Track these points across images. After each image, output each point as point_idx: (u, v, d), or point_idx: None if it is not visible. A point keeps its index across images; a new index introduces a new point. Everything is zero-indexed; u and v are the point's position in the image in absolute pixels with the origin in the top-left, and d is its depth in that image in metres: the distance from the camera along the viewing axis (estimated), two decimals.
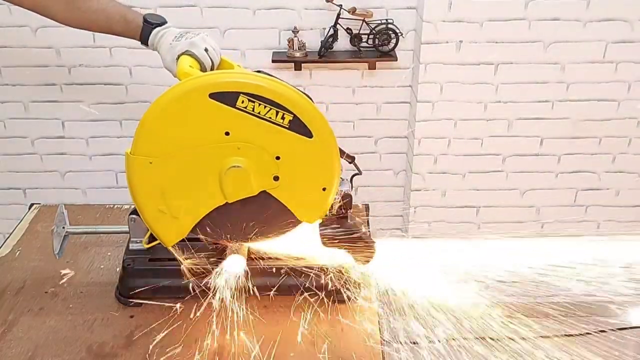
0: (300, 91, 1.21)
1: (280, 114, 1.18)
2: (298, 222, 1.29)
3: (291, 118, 1.18)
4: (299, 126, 1.19)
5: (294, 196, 1.26)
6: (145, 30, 1.34)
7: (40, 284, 1.48)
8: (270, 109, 1.17)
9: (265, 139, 1.19)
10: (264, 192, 1.25)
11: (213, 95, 1.16)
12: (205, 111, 1.17)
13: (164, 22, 1.36)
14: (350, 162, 1.35)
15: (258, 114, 1.17)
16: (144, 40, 1.36)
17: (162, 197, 1.24)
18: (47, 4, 1.37)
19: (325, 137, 1.21)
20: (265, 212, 1.27)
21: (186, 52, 1.29)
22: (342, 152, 1.28)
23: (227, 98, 1.16)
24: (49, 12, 1.38)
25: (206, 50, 1.30)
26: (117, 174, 2.63)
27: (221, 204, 1.25)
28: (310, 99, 1.22)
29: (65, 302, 1.42)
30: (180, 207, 1.25)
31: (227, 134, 1.19)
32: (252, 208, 1.26)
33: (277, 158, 1.21)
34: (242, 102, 1.17)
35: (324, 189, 1.25)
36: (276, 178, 1.23)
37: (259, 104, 1.17)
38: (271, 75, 1.21)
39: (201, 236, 1.30)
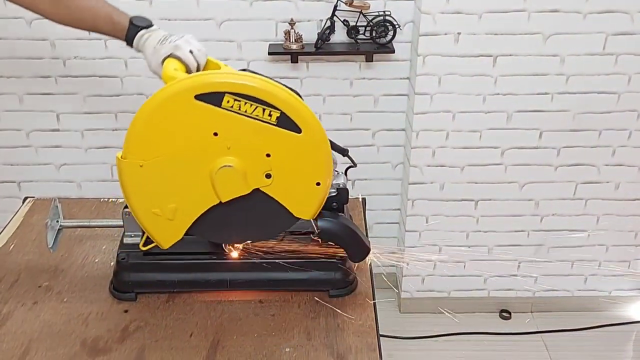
0: (287, 87, 1.20)
1: (267, 111, 1.16)
2: (294, 218, 1.28)
3: (278, 115, 1.17)
4: (287, 122, 1.17)
5: (288, 193, 1.25)
6: (130, 32, 1.34)
7: (35, 277, 1.46)
8: (257, 106, 1.16)
9: (254, 137, 1.18)
10: (258, 190, 1.24)
11: (199, 97, 1.15)
12: (192, 113, 1.16)
13: (150, 25, 1.36)
14: (344, 155, 1.34)
15: (245, 113, 1.16)
16: (129, 42, 1.36)
17: (155, 199, 1.23)
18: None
19: (315, 132, 1.20)
20: (260, 210, 1.26)
21: (171, 55, 1.28)
22: (333, 145, 1.27)
23: (213, 98, 1.15)
24: (35, 7, 1.38)
25: (191, 52, 1.30)
26: (112, 167, 2.61)
27: (215, 204, 1.24)
28: (299, 94, 1.21)
29: (60, 295, 1.41)
30: (174, 209, 1.24)
31: (215, 134, 1.18)
32: (247, 207, 1.25)
33: (268, 155, 1.20)
34: (228, 101, 1.15)
35: (317, 184, 1.24)
36: (268, 175, 1.22)
37: (245, 103, 1.16)
38: (256, 73, 1.20)
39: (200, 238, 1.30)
